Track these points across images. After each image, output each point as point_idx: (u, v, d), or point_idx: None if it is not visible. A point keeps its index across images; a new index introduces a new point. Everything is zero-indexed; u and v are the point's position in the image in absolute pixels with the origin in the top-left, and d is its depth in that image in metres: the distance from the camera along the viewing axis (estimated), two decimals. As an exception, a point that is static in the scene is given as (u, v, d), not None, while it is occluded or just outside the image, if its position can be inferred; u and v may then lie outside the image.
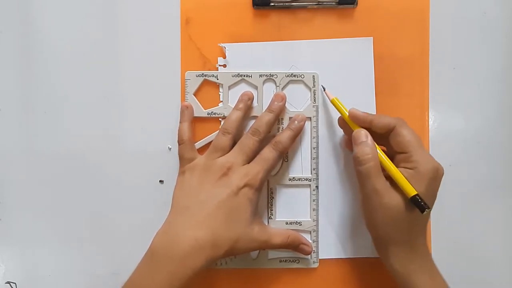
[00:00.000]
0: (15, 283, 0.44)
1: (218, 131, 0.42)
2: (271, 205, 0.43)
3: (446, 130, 0.44)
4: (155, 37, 0.44)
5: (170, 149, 0.43)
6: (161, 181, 0.43)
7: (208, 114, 0.43)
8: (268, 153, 0.40)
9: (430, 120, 0.43)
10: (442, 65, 0.43)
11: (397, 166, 0.37)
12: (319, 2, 0.42)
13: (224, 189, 0.38)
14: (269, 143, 0.41)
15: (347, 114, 0.39)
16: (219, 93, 0.43)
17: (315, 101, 0.43)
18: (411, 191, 0.35)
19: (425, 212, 0.35)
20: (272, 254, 0.43)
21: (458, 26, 0.43)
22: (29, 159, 0.44)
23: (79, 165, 0.44)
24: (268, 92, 0.43)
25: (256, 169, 0.39)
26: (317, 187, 0.43)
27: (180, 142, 0.41)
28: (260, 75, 0.43)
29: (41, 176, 0.44)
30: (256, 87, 0.43)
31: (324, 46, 0.43)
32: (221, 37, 0.43)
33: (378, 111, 0.43)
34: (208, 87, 0.43)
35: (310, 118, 0.43)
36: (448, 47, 0.43)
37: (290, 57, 0.43)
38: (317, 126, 0.43)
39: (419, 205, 0.35)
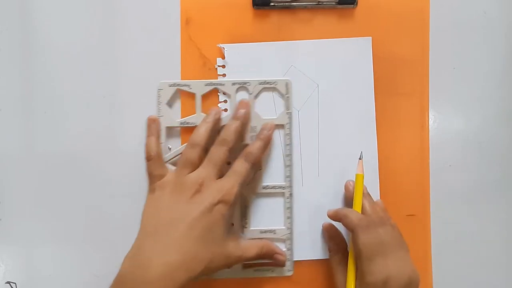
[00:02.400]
0: (15, 283, 0.44)
1: (186, 144, 0.40)
2: (245, 214, 0.42)
3: (446, 130, 0.44)
4: (155, 37, 0.44)
5: (170, 149, 0.43)
6: (161, 181, 0.43)
7: (181, 124, 0.43)
8: (240, 165, 0.39)
9: (430, 120, 0.43)
10: (442, 65, 0.43)
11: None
12: (319, 2, 0.42)
13: (197, 206, 0.37)
14: (241, 154, 0.40)
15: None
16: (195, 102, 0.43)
17: (288, 108, 0.42)
18: None
19: None
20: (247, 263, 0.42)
21: (458, 26, 0.43)
22: (29, 159, 0.44)
23: (79, 165, 0.44)
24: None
25: (230, 183, 0.38)
26: (291, 194, 0.42)
27: (148, 158, 0.40)
28: (233, 83, 0.42)
29: (41, 176, 0.44)
30: (229, 96, 0.43)
31: (323, 46, 0.43)
32: (221, 37, 0.43)
33: (378, 111, 0.43)
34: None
35: (283, 125, 0.42)
36: (448, 47, 0.43)
37: (289, 57, 0.43)
38: (290, 133, 0.42)
39: None
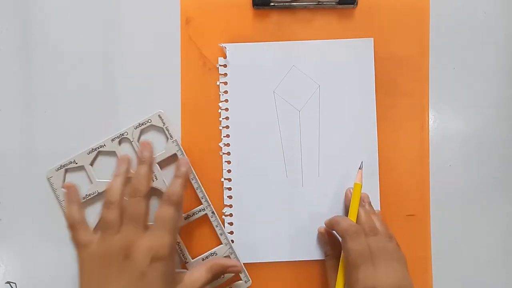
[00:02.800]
0: (15, 283, 0.44)
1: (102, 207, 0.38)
2: (181, 250, 0.42)
3: (446, 130, 0.44)
4: (155, 37, 0.44)
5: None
6: (161, 181, 0.43)
7: (84, 199, 0.43)
8: (165, 211, 0.36)
9: (430, 120, 0.43)
10: (442, 65, 0.43)
11: None
12: (319, 2, 0.42)
13: (130, 274, 0.34)
14: (161, 199, 0.37)
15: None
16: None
17: (171, 136, 0.42)
18: None
19: None
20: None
21: (458, 26, 0.43)
22: (29, 159, 0.44)
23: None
24: (127, 152, 0.43)
25: (159, 236, 0.35)
26: (213, 212, 0.42)
27: (71, 227, 0.38)
28: (112, 139, 0.43)
29: (41, 176, 0.44)
30: (114, 153, 0.43)
31: (325, 47, 0.43)
32: (221, 37, 0.43)
33: (378, 111, 0.43)
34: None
35: (176, 153, 0.42)
36: (448, 47, 0.43)
37: (290, 57, 0.43)
38: (185, 158, 0.42)
39: None
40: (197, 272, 0.38)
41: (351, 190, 0.41)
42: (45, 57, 0.44)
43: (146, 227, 0.36)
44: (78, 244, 0.37)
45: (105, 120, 0.44)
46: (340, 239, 0.39)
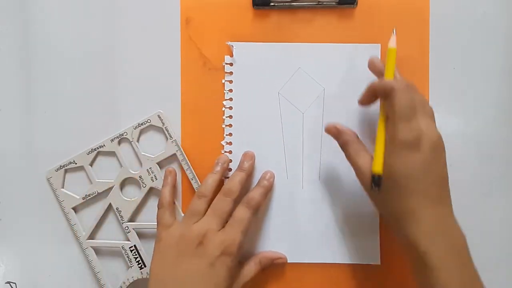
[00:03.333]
0: (15, 283, 0.44)
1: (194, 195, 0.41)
2: None
3: (446, 130, 0.44)
4: (155, 37, 0.44)
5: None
6: (161, 181, 0.44)
7: (84, 198, 0.43)
8: (243, 213, 0.40)
9: (430, 120, 0.43)
10: (442, 65, 0.43)
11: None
12: (319, 2, 0.42)
13: (201, 260, 0.38)
14: (242, 201, 0.40)
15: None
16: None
17: (171, 136, 0.43)
18: (373, 168, 0.36)
19: (377, 188, 0.36)
20: None
21: (458, 26, 0.43)
22: (29, 159, 0.44)
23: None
24: (127, 153, 0.43)
25: (232, 234, 0.38)
26: None
27: (159, 206, 0.41)
28: (112, 140, 0.43)
29: (41, 176, 0.44)
30: (113, 153, 0.43)
31: (331, 50, 0.43)
32: (221, 37, 0.43)
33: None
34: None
35: (175, 153, 0.43)
36: (448, 47, 0.43)
37: (297, 59, 0.43)
38: (185, 159, 0.43)
39: (376, 183, 0.36)
40: (248, 266, 0.41)
41: (375, 58, 0.40)
42: (45, 57, 0.44)
43: (223, 224, 0.39)
44: (159, 222, 0.40)
45: (105, 120, 0.44)
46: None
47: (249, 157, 0.42)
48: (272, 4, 0.43)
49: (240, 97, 0.43)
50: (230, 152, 0.43)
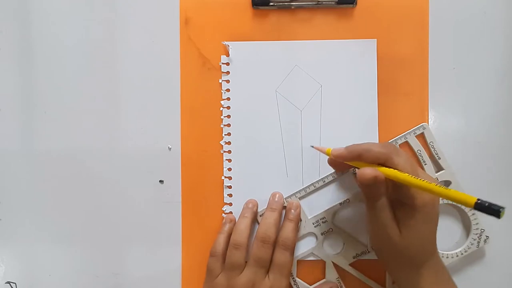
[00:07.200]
0: (15, 283, 0.44)
1: (229, 246, 0.40)
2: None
3: (446, 130, 0.44)
4: (154, 37, 0.44)
5: (170, 148, 0.43)
6: (161, 181, 0.43)
7: None
8: (282, 257, 0.39)
9: (430, 120, 0.43)
10: (442, 65, 0.43)
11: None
12: (318, 2, 0.42)
13: None
14: (277, 244, 0.40)
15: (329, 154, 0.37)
16: None
17: None
18: (471, 200, 0.30)
19: (501, 213, 0.30)
20: None
21: (458, 26, 0.43)
22: (29, 159, 0.44)
23: (79, 165, 0.44)
24: None
25: (278, 279, 0.39)
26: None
27: (212, 254, 0.41)
28: None
29: (41, 176, 0.44)
30: None
31: (328, 47, 0.43)
32: (221, 37, 0.43)
33: (379, 111, 0.43)
34: None
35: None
36: (448, 47, 0.43)
37: (293, 57, 0.43)
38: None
39: (489, 209, 0.30)
40: None
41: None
42: (45, 57, 0.44)
43: (267, 270, 0.39)
44: (209, 271, 0.40)
45: (105, 120, 0.44)
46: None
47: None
48: (271, 4, 0.43)
49: (238, 96, 0.43)
50: (229, 151, 0.43)
